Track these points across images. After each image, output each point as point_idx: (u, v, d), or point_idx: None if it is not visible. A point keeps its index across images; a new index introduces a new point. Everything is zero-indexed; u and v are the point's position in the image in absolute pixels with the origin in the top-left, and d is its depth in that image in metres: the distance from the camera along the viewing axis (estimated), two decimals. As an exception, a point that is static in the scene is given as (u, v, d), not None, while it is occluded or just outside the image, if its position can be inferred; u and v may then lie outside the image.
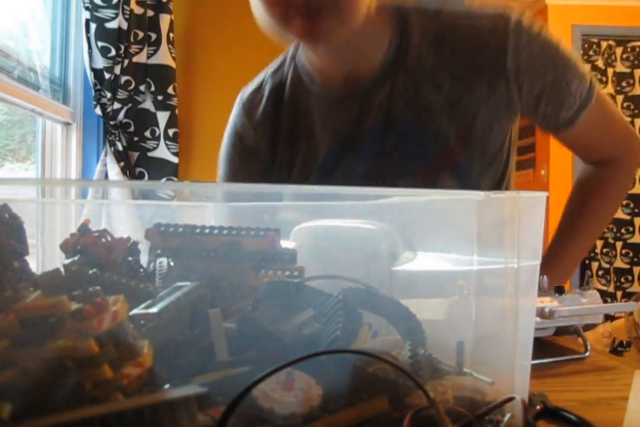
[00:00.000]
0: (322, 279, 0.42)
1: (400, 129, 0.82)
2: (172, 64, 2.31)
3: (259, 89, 0.94)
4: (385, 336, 0.42)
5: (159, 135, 2.32)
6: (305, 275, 0.42)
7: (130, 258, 0.39)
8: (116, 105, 2.12)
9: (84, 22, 2.01)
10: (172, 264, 0.39)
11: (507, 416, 0.37)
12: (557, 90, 0.81)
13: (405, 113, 0.81)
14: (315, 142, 0.87)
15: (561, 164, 3.87)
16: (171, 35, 2.30)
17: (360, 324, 0.39)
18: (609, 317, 3.11)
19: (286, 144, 0.89)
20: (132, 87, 2.17)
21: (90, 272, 0.36)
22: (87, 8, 2.00)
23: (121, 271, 0.38)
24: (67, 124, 2.17)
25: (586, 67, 0.84)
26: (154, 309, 0.35)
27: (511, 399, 0.38)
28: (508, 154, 0.88)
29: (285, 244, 0.42)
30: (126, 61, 2.10)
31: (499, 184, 0.88)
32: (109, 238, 0.39)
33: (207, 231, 0.40)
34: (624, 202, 3.92)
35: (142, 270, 0.40)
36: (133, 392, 0.32)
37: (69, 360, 0.30)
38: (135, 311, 0.36)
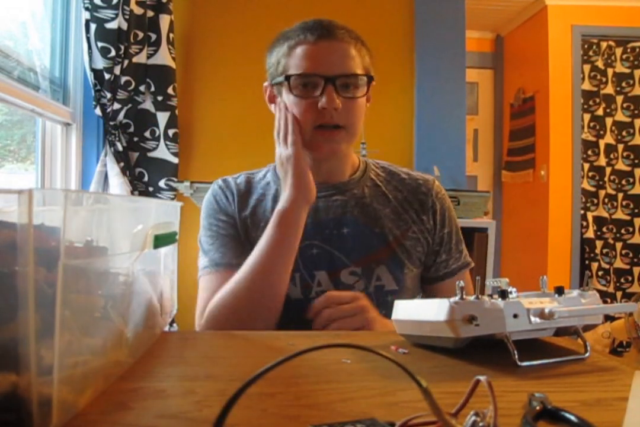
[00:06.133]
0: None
1: (352, 225, 1.05)
2: (172, 64, 2.32)
3: (233, 177, 1.14)
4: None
5: (159, 135, 2.32)
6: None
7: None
8: (116, 106, 2.12)
9: (84, 22, 2.01)
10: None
11: (490, 408, 0.38)
12: (451, 242, 1.09)
13: (358, 215, 1.06)
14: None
15: (561, 164, 3.87)
16: (171, 35, 2.30)
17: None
18: (608, 318, 3.12)
19: (250, 226, 1.07)
20: (132, 87, 2.17)
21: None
22: (87, 8, 2.00)
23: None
24: (67, 125, 2.17)
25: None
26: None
27: (478, 382, 0.38)
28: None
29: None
30: (126, 61, 2.10)
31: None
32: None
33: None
34: (624, 203, 3.92)
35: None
36: None
37: None
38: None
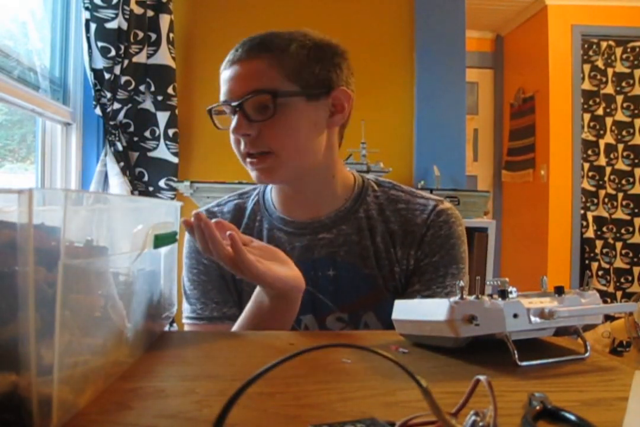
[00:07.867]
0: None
1: (339, 266, 0.95)
2: (172, 64, 2.32)
3: (219, 205, 1.05)
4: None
5: (159, 135, 2.32)
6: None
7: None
8: (116, 106, 2.12)
9: (84, 22, 2.01)
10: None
11: (490, 408, 0.38)
12: (437, 273, 0.94)
13: (345, 255, 0.95)
14: None
15: (561, 164, 3.87)
16: (171, 35, 2.30)
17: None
18: (608, 318, 3.12)
19: None
20: (132, 87, 2.18)
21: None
22: (87, 8, 2.00)
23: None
24: (67, 124, 2.17)
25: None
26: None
27: (478, 381, 0.39)
28: None
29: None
30: (126, 61, 2.10)
31: None
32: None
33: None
34: (624, 203, 3.92)
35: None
36: None
37: None
38: None
